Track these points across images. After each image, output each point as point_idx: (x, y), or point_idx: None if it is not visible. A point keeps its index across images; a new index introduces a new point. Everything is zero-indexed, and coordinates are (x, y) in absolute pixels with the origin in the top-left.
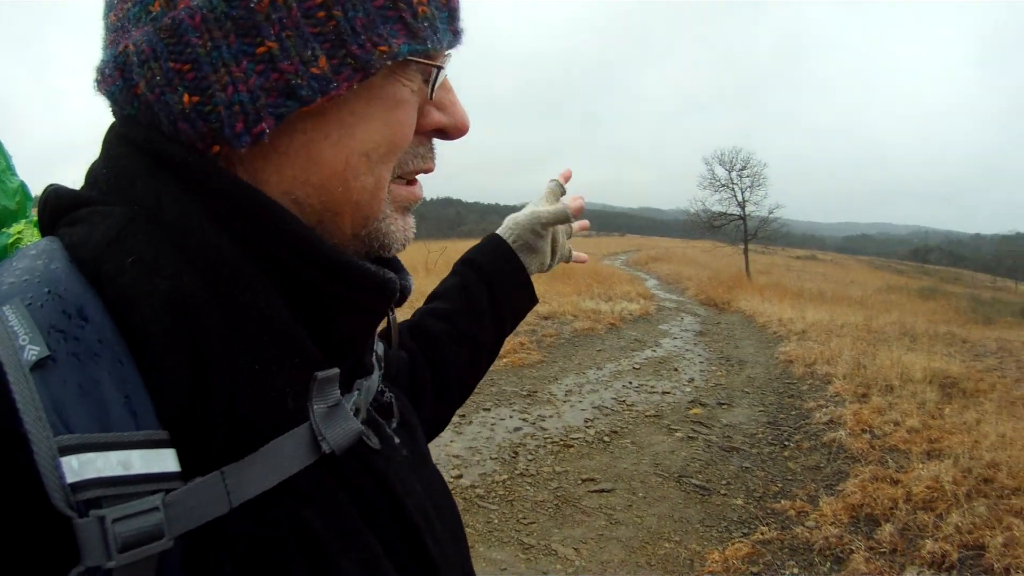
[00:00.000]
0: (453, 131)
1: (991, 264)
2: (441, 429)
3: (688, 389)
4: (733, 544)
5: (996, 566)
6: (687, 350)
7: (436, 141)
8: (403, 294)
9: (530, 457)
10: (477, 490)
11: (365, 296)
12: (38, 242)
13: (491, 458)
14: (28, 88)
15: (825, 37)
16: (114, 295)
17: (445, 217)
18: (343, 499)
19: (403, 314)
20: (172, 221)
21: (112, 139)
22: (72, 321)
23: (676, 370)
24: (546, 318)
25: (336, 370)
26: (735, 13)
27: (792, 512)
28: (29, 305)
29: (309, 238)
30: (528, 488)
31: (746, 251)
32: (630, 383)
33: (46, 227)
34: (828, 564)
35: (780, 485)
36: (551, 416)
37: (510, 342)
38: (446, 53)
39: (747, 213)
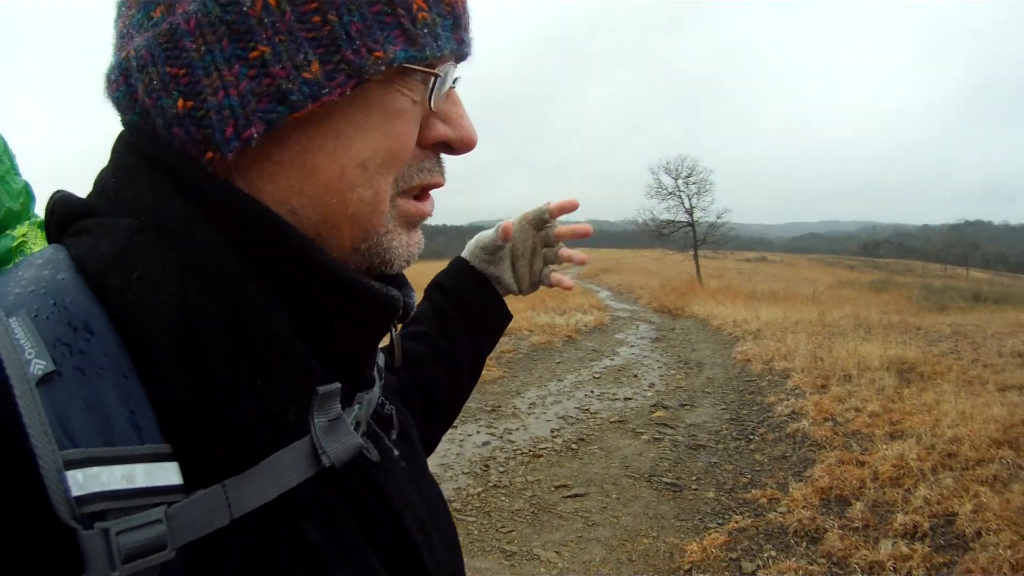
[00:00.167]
0: (459, 145)
1: (941, 253)
2: (430, 452)
3: (649, 394)
4: (710, 534)
5: (967, 531)
6: (645, 357)
7: (447, 156)
8: (406, 311)
9: (501, 469)
10: (454, 504)
11: (366, 312)
12: (44, 250)
13: (463, 473)
14: None
15: (769, 41)
16: (119, 309)
17: None
18: (342, 512)
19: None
20: (176, 235)
21: (121, 148)
22: (78, 334)
23: (636, 376)
24: (503, 334)
25: (337, 385)
26: (675, 23)
27: (764, 500)
28: (35, 317)
29: (310, 251)
30: (503, 499)
31: (696, 257)
32: (592, 392)
33: (52, 234)
34: (804, 544)
35: (749, 476)
36: (517, 429)
37: None
38: (453, 63)
39: (695, 219)
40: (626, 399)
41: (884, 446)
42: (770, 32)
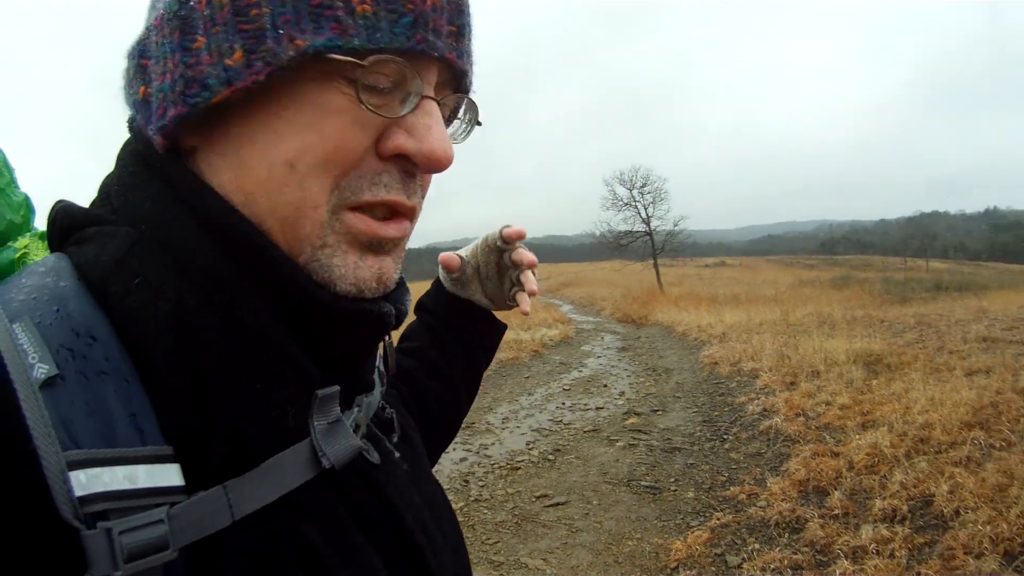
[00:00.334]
0: (421, 159)
1: (899, 247)
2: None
3: (620, 402)
4: (692, 532)
5: (946, 510)
6: (613, 366)
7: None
8: (399, 319)
9: (481, 483)
10: None
11: (352, 330)
12: (46, 258)
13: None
14: None
15: (713, 46)
16: (121, 315)
17: None
18: (343, 513)
19: None
20: (174, 242)
21: (125, 155)
22: (80, 339)
23: (606, 386)
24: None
25: (336, 388)
26: (618, 34)
27: (743, 496)
28: (38, 323)
29: (288, 270)
30: (486, 511)
31: (656, 265)
32: (563, 404)
33: (55, 243)
34: (787, 535)
35: (726, 474)
36: (493, 444)
37: None
38: (435, 74)
39: (653, 228)
40: (598, 408)
41: (857, 436)
42: (714, 36)
